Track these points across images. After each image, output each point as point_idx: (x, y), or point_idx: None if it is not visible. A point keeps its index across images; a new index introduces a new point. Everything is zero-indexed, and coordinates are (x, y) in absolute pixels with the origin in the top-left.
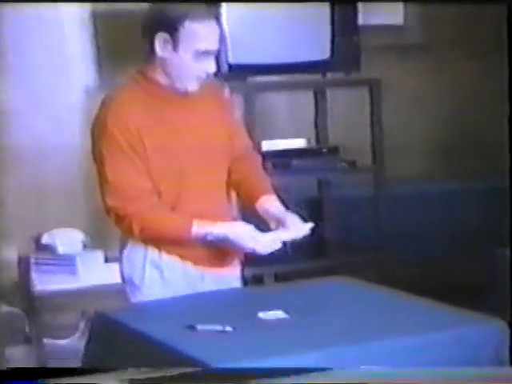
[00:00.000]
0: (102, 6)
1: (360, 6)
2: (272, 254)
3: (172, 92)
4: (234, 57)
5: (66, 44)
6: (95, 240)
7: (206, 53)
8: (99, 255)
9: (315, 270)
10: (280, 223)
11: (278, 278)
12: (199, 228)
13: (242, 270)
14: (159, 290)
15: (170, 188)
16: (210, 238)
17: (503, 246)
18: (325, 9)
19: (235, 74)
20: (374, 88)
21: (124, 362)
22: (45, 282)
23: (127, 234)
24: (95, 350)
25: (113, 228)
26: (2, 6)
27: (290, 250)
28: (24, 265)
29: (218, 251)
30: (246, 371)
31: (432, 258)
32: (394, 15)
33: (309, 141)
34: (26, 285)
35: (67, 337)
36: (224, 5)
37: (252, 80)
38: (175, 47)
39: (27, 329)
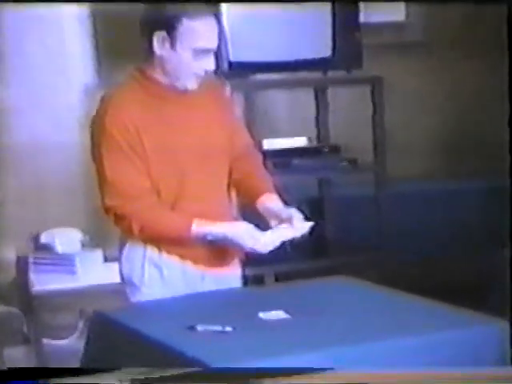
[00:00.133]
0: (100, 5)
1: (361, 3)
2: (272, 253)
3: (171, 90)
4: (234, 54)
5: (65, 43)
6: (94, 239)
7: (205, 51)
8: (98, 255)
9: (316, 270)
10: (281, 221)
11: (279, 277)
12: (199, 227)
13: (243, 270)
14: (159, 289)
15: (169, 187)
16: (209, 237)
17: (504, 246)
18: (326, 6)
19: (236, 71)
20: (375, 86)
21: (123, 363)
22: (43, 282)
23: (126, 233)
24: (94, 350)
25: (112, 227)
26: (1, 6)
27: (290, 248)
28: (22, 264)
29: (218, 251)
30: (246, 371)
31: (433, 258)
32: (395, 13)
33: (310, 139)
34: (25, 284)
35: (66, 337)
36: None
37: (253, 78)
38: (173, 45)
39: (25, 329)
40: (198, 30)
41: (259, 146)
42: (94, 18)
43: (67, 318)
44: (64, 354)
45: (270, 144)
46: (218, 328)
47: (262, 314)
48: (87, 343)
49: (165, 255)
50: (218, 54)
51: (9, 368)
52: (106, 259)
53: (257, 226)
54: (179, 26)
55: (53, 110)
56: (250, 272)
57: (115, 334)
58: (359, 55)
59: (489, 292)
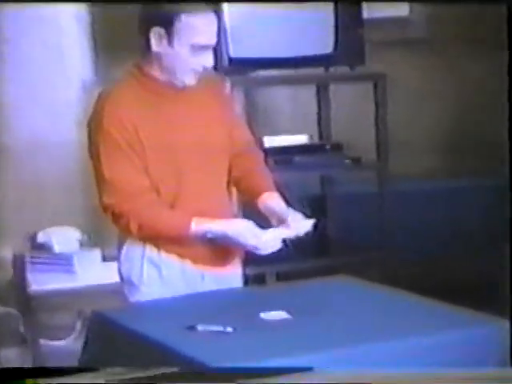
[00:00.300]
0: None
1: None
2: (274, 252)
3: (169, 87)
4: (234, 50)
5: (62, 39)
6: (92, 238)
7: (203, 47)
8: (96, 254)
9: (318, 270)
10: (281, 220)
11: (280, 277)
12: (198, 225)
13: (243, 269)
14: (158, 289)
15: (168, 185)
16: (209, 235)
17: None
18: (328, 1)
19: (236, 67)
20: (378, 83)
21: (122, 364)
22: (41, 282)
23: (125, 232)
24: (93, 351)
25: (110, 226)
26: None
27: (292, 247)
28: (19, 264)
29: (218, 250)
30: (245, 371)
31: (435, 257)
32: (399, 8)
33: (311, 137)
34: (22, 284)
35: (64, 338)
36: None
37: (253, 74)
38: (170, 42)
39: (22, 329)
40: (195, 26)
41: (260, 143)
42: (92, 14)
43: (65, 319)
44: (62, 355)
45: (270, 141)
46: (219, 328)
47: (263, 314)
48: (85, 344)
49: (164, 254)
50: (217, 50)
51: (5, 368)
52: (104, 258)
53: (257, 224)
54: (176, 22)
55: (50, 107)
56: (250, 271)
57: (114, 335)
58: (362, 51)
59: (491, 291)
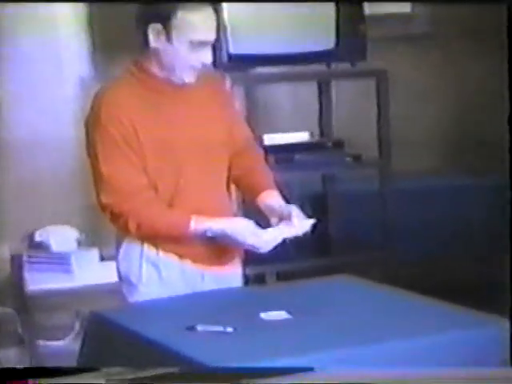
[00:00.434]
0: None
1: None
2: (274, 251)
3: (168, 84)
4: (234, 47)
5: (60, 34)
6: (90, 237)
7: (202, 43)
8: (94, 253)
9: (318, 269)
10: (282, 219)
11: (280, 276)
12: (197, 224)
13: (243, 269)
14: (157, 289)
15: (166, 184)
16: (209, 234)
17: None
18: (329, 1)
19: (236, 64)
20: (380, 79)
21: (121, 365)
22: (38, 281)
23: (123, 231)
24: (91, 351)
25: (108, 225)
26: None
27: (292, 246)
28: (16, 263)
29: (218, 249)
30: (246, 371)
31: (437, 256)
32: (401, 4)
33: (312, 134)
34: (19, 284)
35: (61, 338)
36: None
37: (253, 71)
38: (169, 38)
39: (20, 330)
40: (194, 22)
41: (260, 141)
42: (90, 10)
43: (63, 319)
44: (59, 355)
45: (271, 139)
46: (219, 328)
47: (263, 314)
48: (83, 344)
49: (162, 253)
50: (217, 47)
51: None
52: (102, 258)
53: (257, 223)
54: (174, 18)
55: (48, 104)
56: (250, 271)
57: (112, 335)
58: (363, 47)
59: (492, 291)
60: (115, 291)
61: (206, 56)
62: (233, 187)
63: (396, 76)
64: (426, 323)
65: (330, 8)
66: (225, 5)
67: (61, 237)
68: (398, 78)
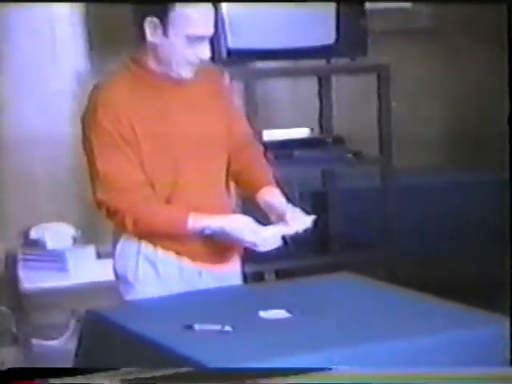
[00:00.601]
0: None
1: None
2: (273, 249)
3: (166, 80)
4: (233, 41)
5: (55, 28)
6: (86, 235)
7: (200, 38)
8: (91, 251)
9: (318, 267)
10: (281, 216)
11: (280, 274)
12: (195, 221)
13: (242, 267)
14: (154, 287)
15: (164, 180)
16: (207, 231)
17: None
18: (330, 1)
19: (234, 59)
20: (381, 74)
21: (117, 364)
22: (33, 280)
23: (120, 228)
24: (87, 351)
25: (105, 222)
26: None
27: (292, 244)
28: (11, 261)
29: (217, 246)
30: (245, 371)
31: (439, 253)
32: None
33: (312, 130)
34: (14, 282)
35: (57, 337)
36: None
37: (252, 66)
38: (166, 32)
39: (14, 329)
40: (191, 17)
41: (259, 137)
42: (86, 5)
43: (58, 318)
44: (55, 354)
45: (270, 135)
46: (217, 327)
47: (262, 313)
48: (79, 344)
49: (160, 251)
50: (215, 41)
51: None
52: (98, 256)
53: (257, 220)
54: (171, 12)
55: (42, 98)
56: (249, 269)
57: (109, 334)
58: (364, 42)
59: (492, 290)
60: (112, 289)
61: (204, 51)
62: (232, 184)
63: (396, 71)
64: (426, 322)
65: (331, 2)
66: None
67: (56, 234)
68: (400, 72)
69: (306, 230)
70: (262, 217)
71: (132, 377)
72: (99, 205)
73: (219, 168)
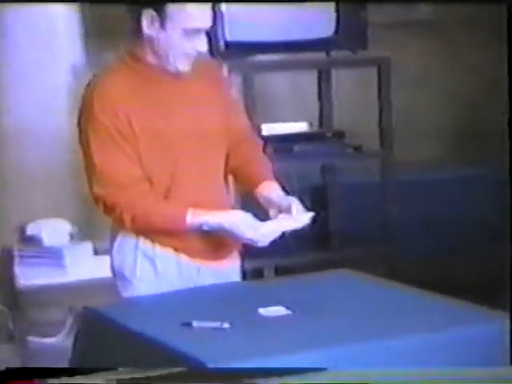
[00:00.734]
0: None
1: None
2: (272, 245)
3: (163, 73)
4: (231, 34)
5: (51, 21)
6: (83, 231)
7: (197, 30)
8: (88, 247)
9: (318, 263)
10: (281, 211)
11: (279, 271)
12: (194, 217)
13: (241, 263)
14: (152, 284)
15: (162, 175)
16: (205, 227)
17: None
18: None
19: (233, 52)
20: (382, 67)
21: (115, 361)
22: (30, 276)
23: (118, 224)
24: (84, 348)
25: (102, 218)
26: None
27: (291, 240)
28: (7, 257)
29: (215, 242)
30: (243, 371)
31: (440, 249)
32: None
33: (312, 124)
34: (10, 279)
35: (53, 334)
36: None
37: (251, 59)
38: (163, 25)
39: (11, 326)
40: (189, 9)
41: (258, 131)
42: None
43: (55, 315)
44: (52, 352)
45: (269, 129)
46: (215, 324)
47: (261, 310)
48: (76, 341)
49: (158, 247)
50: (213, 34)
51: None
52: (96, 252)
53: (256, 216)
54: (169, 5)
55: (38, 91)
56: (248, 265)
57: (106, 331)
58: (364, 35)
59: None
60: (109, 286)
61: (201, 44)
62: (230, 178)
63: (398, 63)
64: (426, 319)
65: None
66: None
67: (53, 230)
68: (400, 65)
69: (305, 226)
70: (262, 213)
71: (130, 377)
72: (96, 199)
73: (218, 162)
